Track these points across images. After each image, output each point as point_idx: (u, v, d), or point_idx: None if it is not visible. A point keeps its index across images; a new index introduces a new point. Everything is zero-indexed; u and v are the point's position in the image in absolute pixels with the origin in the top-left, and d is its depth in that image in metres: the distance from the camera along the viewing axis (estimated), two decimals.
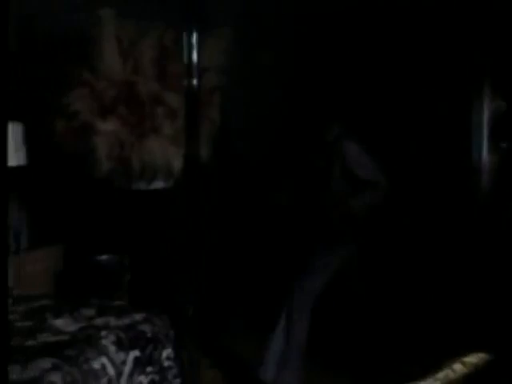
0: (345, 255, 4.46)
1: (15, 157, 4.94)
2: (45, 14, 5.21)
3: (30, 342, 3.13)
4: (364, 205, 4.32)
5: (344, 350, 4.67)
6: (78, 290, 4.40)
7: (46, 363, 2.89)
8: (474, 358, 2.88)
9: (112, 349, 3.15)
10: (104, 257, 4.76)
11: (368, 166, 4.32)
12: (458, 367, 2.77)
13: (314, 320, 4.33)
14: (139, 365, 3.24)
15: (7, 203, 1.88)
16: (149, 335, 3.36)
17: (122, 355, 3.17)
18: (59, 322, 3.38)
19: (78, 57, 4.77)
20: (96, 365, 3.03)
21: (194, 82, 3.44)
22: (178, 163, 4.52)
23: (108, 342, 3.17)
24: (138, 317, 3.47)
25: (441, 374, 2.69)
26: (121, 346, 3.19)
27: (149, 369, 3.30)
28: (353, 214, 4.35)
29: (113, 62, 4.73)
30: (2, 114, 1.67)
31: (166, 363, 3.42)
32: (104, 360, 3.08)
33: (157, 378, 3.34)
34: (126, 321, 3.40)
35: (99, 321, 3.40)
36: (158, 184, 4.76)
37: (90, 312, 3.51)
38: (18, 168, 4.98)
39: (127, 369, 3.17)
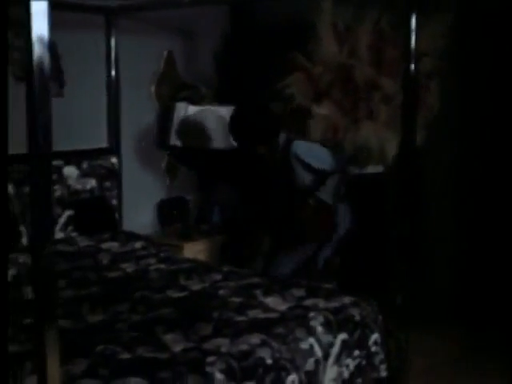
0: None
1: (225, 140, 5.07)
2: (263, 1, 5.31)
3: (240, 318, 3.20)
4: (329, 192, 4.44)
5: None
6: (284, 270, 4.46)
7: (255, 339, 2.95)
8: None
9: (320, 330, 3.16)
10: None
11: (320, 156, 4.49)
12: None
13: None
14: (347, 348, 3.23)
15: (7, 202, 1.92)
16: (357, 319, 3.35)
17: (329, 337, 3.17)
18: (269, 300, 3.44)
19: (295, 42, 4.82)
20: (304, 345, 3.05)
21: (412, 66, 3.37)
22: (392, 149, 4.46)
23: (316, 323, 3.18)
24: (347, 300, 3.46)
25: None
26: (329, 328, 3.20)
27: (356, 352, 3.29)
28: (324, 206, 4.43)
29: (329, 47, 4.75)
30: (2, 111, 1.69)
31: (373, 348, 3.39)
32: (312, 340, 3.09)
33: (363, 362, 3.32)
34: (334, 303, 3.40)
35: (308, 302, 3.43)
36: (372, 169, 4.72)
37: (300, 293, 3.54)
38: (227, 151, 5.12)
39: (335, 351, 3.17)
